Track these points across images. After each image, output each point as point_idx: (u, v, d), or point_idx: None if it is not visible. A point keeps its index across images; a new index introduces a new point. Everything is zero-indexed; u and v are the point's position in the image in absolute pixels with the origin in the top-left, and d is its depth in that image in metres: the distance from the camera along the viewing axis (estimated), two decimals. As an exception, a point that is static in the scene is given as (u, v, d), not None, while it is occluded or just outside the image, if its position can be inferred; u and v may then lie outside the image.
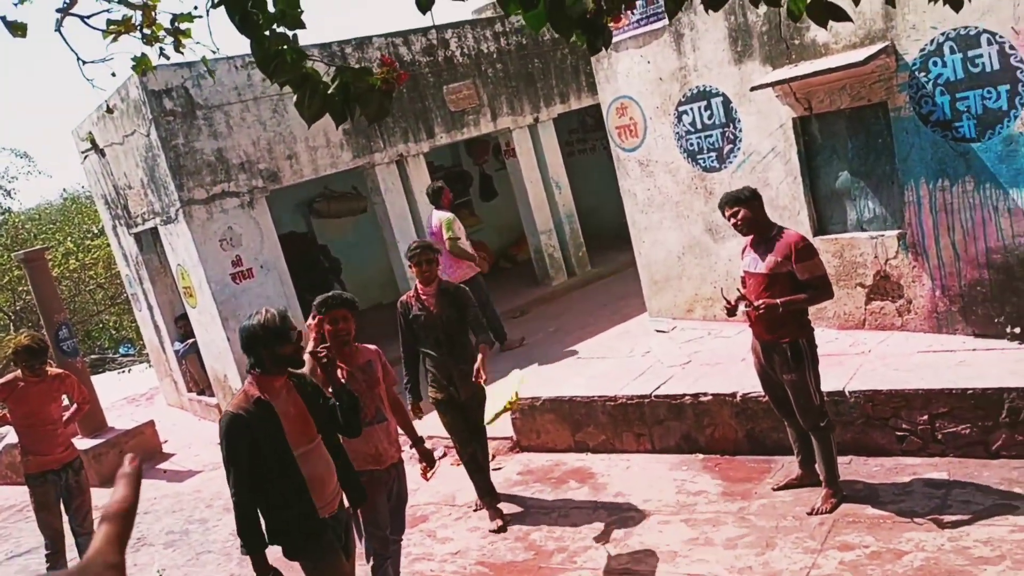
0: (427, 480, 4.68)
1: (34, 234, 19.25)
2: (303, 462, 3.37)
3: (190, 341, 9.79)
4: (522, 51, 10.82)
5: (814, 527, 4.38)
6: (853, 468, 4.91)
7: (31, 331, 5.68)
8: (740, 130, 6.45)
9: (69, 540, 5.64)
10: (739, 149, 6.51)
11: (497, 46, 10.59)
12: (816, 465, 4.64)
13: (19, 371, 5.52)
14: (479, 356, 5.08)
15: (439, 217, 8.39)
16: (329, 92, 2.15)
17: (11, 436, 9.74)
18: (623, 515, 5.10)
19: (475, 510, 5.53)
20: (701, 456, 5.61)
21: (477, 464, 5.35)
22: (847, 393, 5.03)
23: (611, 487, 5.56)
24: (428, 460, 4.53)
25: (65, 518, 5.65)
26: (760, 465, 5.27)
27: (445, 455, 6.76)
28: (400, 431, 4.43)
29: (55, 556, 5.49)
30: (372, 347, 4.32)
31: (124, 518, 0.82)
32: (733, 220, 4.46)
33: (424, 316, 5.12)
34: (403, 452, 4.41)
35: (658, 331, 7.37)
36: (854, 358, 5.57)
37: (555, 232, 11.06)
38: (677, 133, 6.93)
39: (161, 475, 8.14)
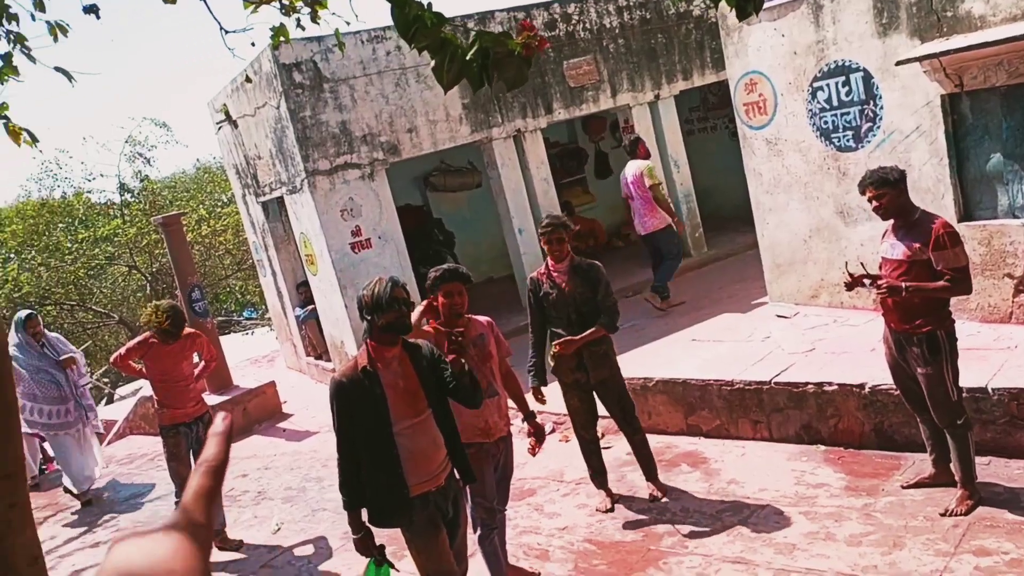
0: (534, 455, 4.68)
1: (170, 200, 20.41)
2: (406, 436, 3.37)
3: (310, 307, 10.16)
4: (645, 26, 10.58)
5: (947, 529, 4.13)
6: (992, 470, 4.60)
7: (171, 303, 5.89)
8: (881, 107, 6.08)
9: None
10: (879, 127, 6.14)
11: (620, 21, 10.39)
12: (951, 464, 4.36)
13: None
14: (591, 332, 4.89)
15: (637, 166, 8.46)
16: (467, 58, 2.12)
17: (146, 389, 10.40)
18: (737, 502, 4.96)
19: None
20: (823, 448, 5.38)
21: (595, 446, 5.29)
22: (990, 390, 4.69)
23: (725, 473, 5.41)
24: (538, 435, 4.52)
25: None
26: (888, 461, 5.00)
27: (554, 431, 6.76)
28: (512, 404, 4.44)
29: None
30: (484, 319, 4.29)
31: (215, 475, 0.83)
32: (876, 203, 4.18)
33: (555, 294, 4.94)
34: (512, 425, 4.41)
35: (779, 316, 7.11)
36: (999, 353, 5.19)
37: (672, 212, 10.81)
38: (810, 110, 6.60)
39: (281, 434, 8.50)
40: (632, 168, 8.47)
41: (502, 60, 2.08)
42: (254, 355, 13.89)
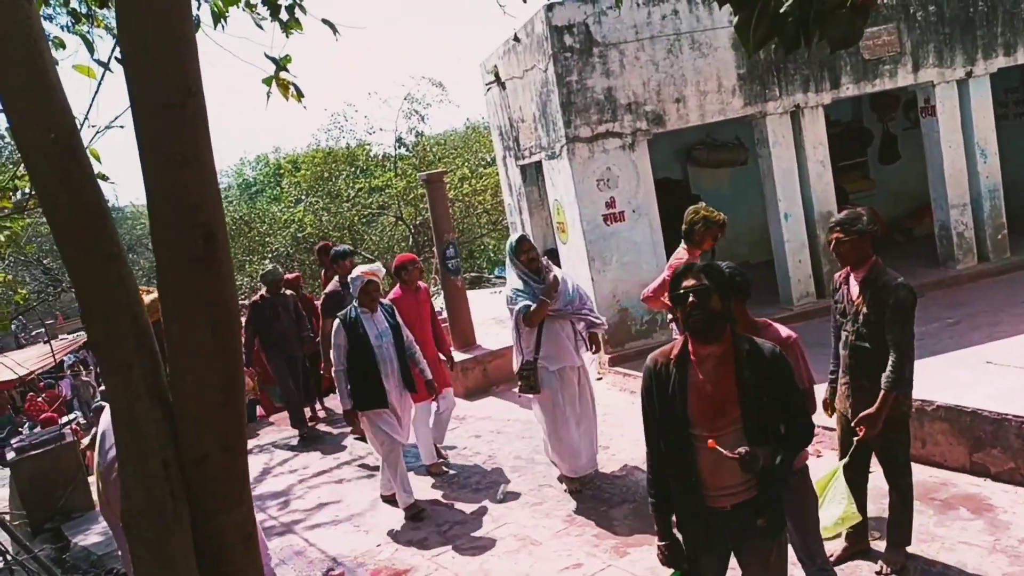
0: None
1: (438, 157, 21.45)
2: (703, 445, 2.89)
3: (557, 275, 10.07)
4: (965, -10, 9.17)
5: None
6: None
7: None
8: None
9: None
10: None
11: (933, -16, 9.08)
12: None
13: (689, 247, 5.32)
14: (880, 394, 3.94)
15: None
16: (782, 11, 1.70)
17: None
18: (1032, 569, 4.10)
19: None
20: None
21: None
22: None
23: (1016, 528, 4.52)
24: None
25: None
26: None
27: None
28: None
29: None
30: (784, 332, 3.51)
31: None
32: None
33: (844, 304, 4.17)
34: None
35: (1108, 348, 5.84)
36: None
37: (971, 207, 9.40)
38: None
39: (516, 399, 8.51)
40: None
41: (829, 13, 1.64)
42: (500, 314, 14.19)
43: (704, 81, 8.70)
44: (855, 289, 4.10)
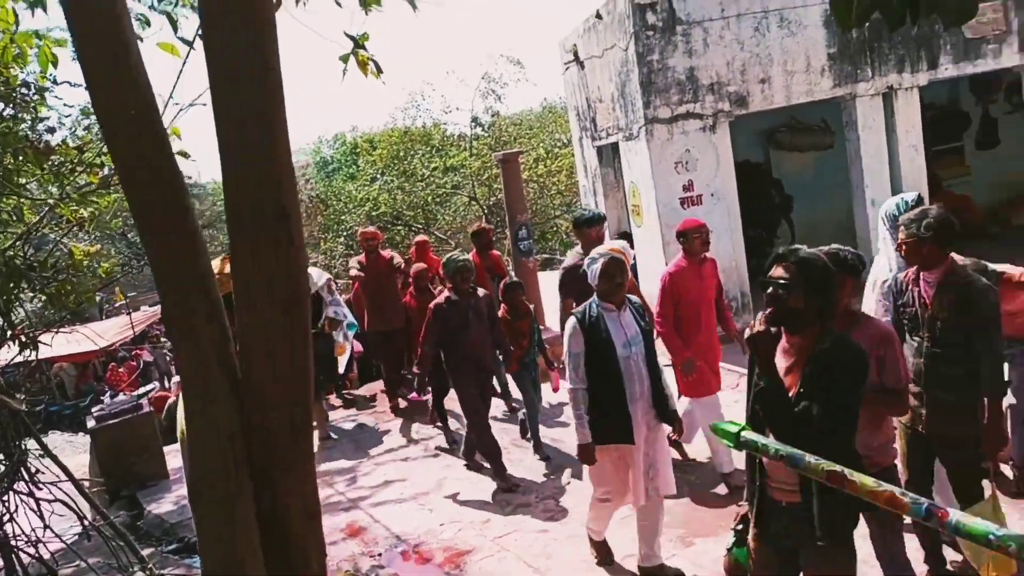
0: None
1: (514, 137, 21.38)
2: None
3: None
4: (1079, -36, 8.57)
5: None
6: None
7: None
8: None
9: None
10: None
11: (1045, -42, 8.52)
12: None
13: None
14: (987, 407, 3.57)
15: None
16: (888, -17, 1.56)
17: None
18: None
19: None
20: None
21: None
22: None
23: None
24: None
25: None
26: None
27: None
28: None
29: None
30: (884, 327, 3.34)
31: None
32: None
33: (914, 309, 3.71)
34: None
35: None
36: None
37: (1077, 198, 8.85)
38: None
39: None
40: None
41: (941, -14, 1.49)
42: (570, 297, 14.10)
43: (791, 61, 8.38)
44: (927, 291, 3.69)
